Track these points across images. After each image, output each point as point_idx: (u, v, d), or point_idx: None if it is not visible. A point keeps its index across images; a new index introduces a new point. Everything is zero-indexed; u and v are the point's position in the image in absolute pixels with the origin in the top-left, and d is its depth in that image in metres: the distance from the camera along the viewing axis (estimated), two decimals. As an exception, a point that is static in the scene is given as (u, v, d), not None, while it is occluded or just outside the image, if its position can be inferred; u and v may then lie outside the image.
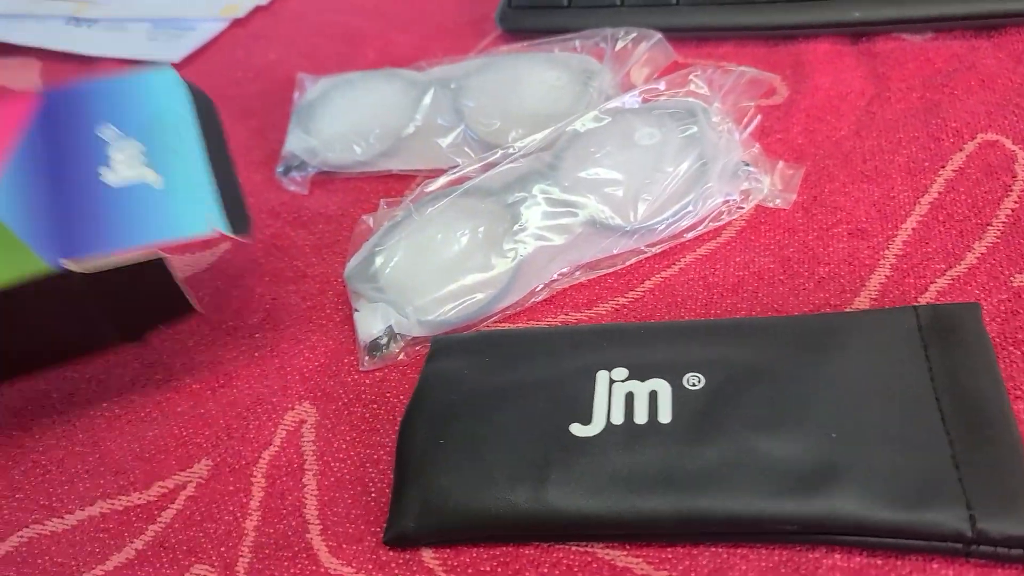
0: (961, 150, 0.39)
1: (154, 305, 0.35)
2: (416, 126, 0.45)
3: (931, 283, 0.34)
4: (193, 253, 0.43)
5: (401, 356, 0.37)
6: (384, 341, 0.37)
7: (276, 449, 0.35)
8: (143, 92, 0.35)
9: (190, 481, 0.34)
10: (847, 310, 0.34)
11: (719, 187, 0.37)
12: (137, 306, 0.35)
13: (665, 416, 0.30)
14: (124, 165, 0.32)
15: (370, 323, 0.37)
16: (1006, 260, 0.34)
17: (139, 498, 0.34)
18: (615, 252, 0.37)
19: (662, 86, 0.41)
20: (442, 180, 0.40)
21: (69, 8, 0.67)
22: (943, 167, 0.39)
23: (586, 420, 0.30)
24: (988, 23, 0.45)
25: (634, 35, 0.46)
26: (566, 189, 0.37)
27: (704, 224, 0.38)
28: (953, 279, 0.34)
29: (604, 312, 0.36)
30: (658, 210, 0.37)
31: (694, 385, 0.31)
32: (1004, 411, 0.28)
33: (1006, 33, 0.44)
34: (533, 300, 0.37)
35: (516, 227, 0.36)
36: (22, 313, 0.31)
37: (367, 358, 0.37)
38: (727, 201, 0.38)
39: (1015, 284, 0.33)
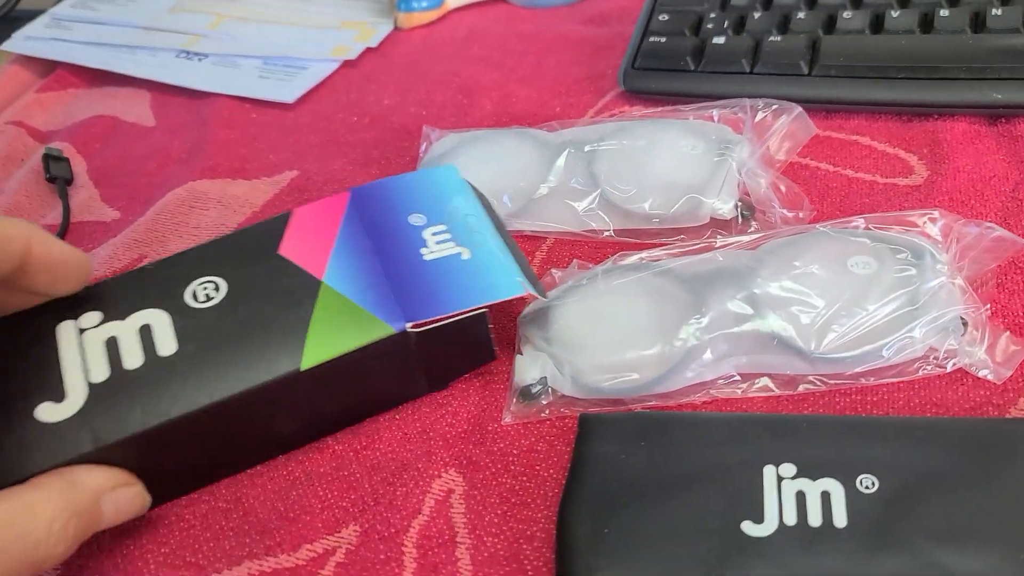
0: (1120, 243, 0.38)
1: (465, 356, 0.39)
2: (550, 187, 0.45)
3: (1100, 388, 0.34)
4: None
5: (546, 413, 0.37)
6: (537, 390, 0.37)
7: (426, 519, 0.35)
8: (434, 184, 0.42)
9: (339, 547, 0.34)
10: (1011, 416, 0.33)
11: (923, 338, 0.35)
12: (451, 359, 0.38)
13: (840, 520, 0.30)
14: (436, 243, 0.38)
15: (529, 368, 0.37)
16: None
17: (287, 560, 0.34)
18: (787, 372, 0.36)
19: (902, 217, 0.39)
20: (636, 256, 0.40)
21: (182, 41, 0.69)
22: (1105, 262, 0.38)
23: (758, 519, 0.30)
24: None
25: (774, 107, 0.46)
26: (755, 297, 0.36)
27: (894, 373, 0.35)
28: (1123, 386, 0.33)
29: (756, 400, 0.36)
30: (846, 345, 0.35)
31: (868, 488, 0.30)
32: None
33: None
34: (690, 398, 0.37)
35: (695, 318, 0.36)
36: (362, 372, 0.36)
37: (515, 402, 0.37)
38: (927, 355, 0.35)
39: None
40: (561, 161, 0.46)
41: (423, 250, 0.38)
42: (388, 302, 0.36)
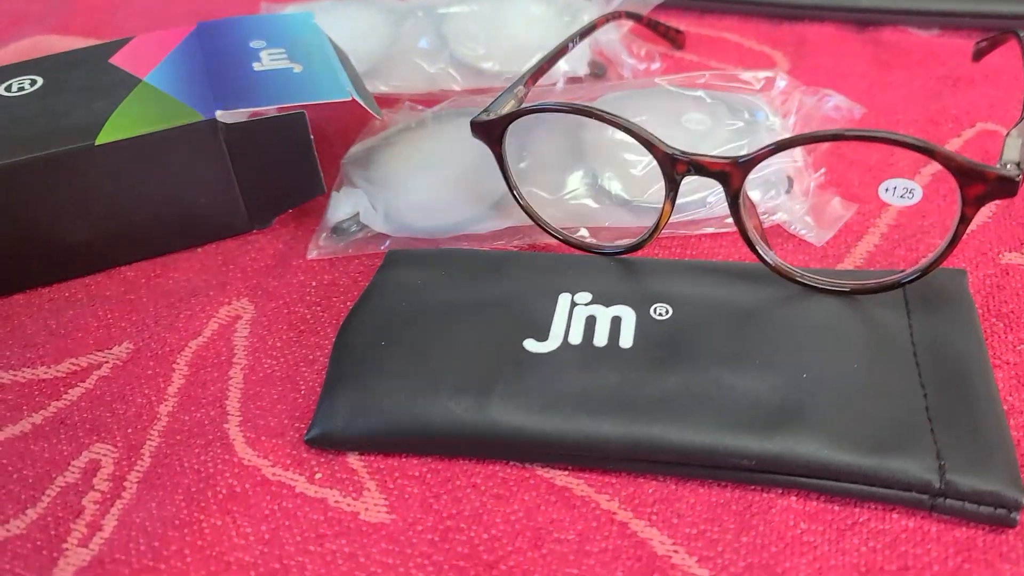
0: (959, 136, 0.38)
1: (289, 179, 0.36)
2: (396, 48, 0.43)
3: (922, 256, 0.32)
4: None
5: (352, 250, 0.35)
6: (347, 226, 0.35)
7: (204, 340, 0.32)
8: (286, 23, 0.40)
9: (106, 362, 0.31)
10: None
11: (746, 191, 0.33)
12: (272, 177, 0.35)
13: (627, 341, 0.28)
14: (270, 60, 0.37)
15: (342, 205, 0.35)
16: (996, 239, 0.33)
17: (45, 372, 0.31)
18: (607, 224, 0.34)
19: (741, 75, 0.37)
20: (470, 99, 0.38)
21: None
22: (945, 142, 0.37)
23: (542, 337, 0.28)
24: (997, 23, 0.44)
25: None
26: (581, 144, 0.34)
27: (715, 224, 0.34)
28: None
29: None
30: None
31: (661, 315, 0.29)
32: (983, 369, 0.26)
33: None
34: (504, 241, 0.35)
35: (517, 164, 0.34)
36: (168, 170, 0.34)
37: (323, 237, 0.35)
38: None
39: (1003, 261, 0.32)
40: (408, 24, 0.44)
41: (255, 64, 0.36)
42: (205, 96, 0.34)
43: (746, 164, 0.27)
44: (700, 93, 0.36)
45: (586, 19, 0.42)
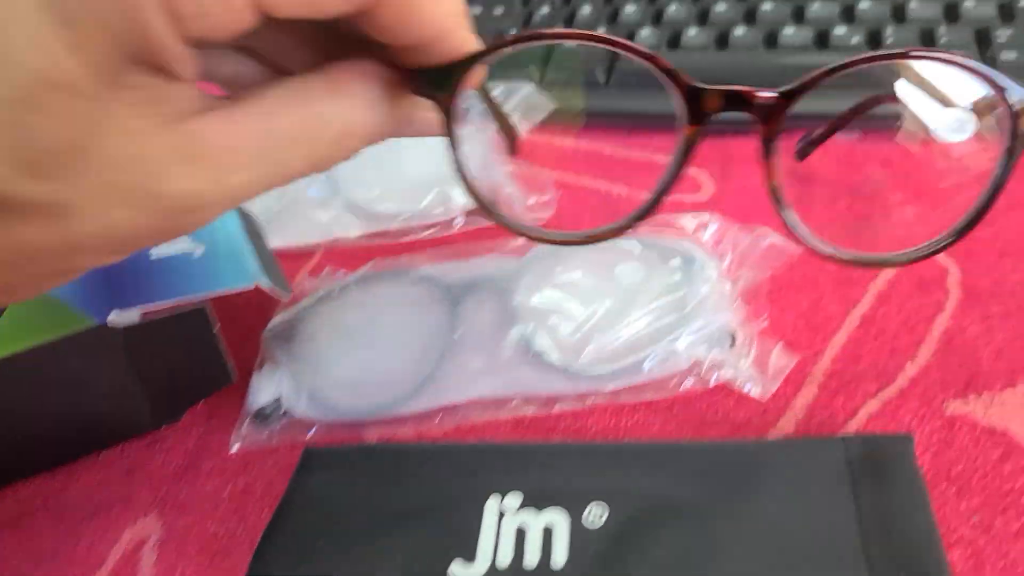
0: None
1: (193, 375, 0.34)
2: (287, 200, 0.42)
3: (861, 405, 0.31)
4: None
5: (275, 441, 0.33)
6: (270, 412, 0.33)
7: (107, 572, 0.29)
8: None
9: (-2, 611, 0.29)
10: (770, 438, 0.30)
11: (688, 350, 0.32)
12: (176, 377, 0.33)
13: (559, 558, 0.26)
14: (168, 244, 0.33)
15: (263, 388, 0.33)
16: (939, 383, 0.31)
17: (-68, 632, 0.28)
18: (543, 392, 0.32)
19: (676, 221, 0.36)
20: (395, 260, 0.37)
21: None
22: (874, 278, 0.36)
23: (469, 556, 0.26)
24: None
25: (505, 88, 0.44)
26: (513, 308, 0.33)
27: (654, 389, 0.32)
28: (884, 402, 0.31)
29: (508, 423, 0.32)
30: (604, 359, 0.32)
31: (595, 520, 0.27)
32: (938, 561, 0.25)
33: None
34: (437, 421, 0.33)
35: (448, 333, 0.32)
36: (66, 382, 0.31)
37: (245, 427, 0.33)
38: (691, 369, 0.32)
39: (948, 412, 0.30)
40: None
41: (151, 250, 0.34)
42: (99, 299, 0.32)
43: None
44: (631, 242, 0.35)
45: (483, 138, 0.41)
